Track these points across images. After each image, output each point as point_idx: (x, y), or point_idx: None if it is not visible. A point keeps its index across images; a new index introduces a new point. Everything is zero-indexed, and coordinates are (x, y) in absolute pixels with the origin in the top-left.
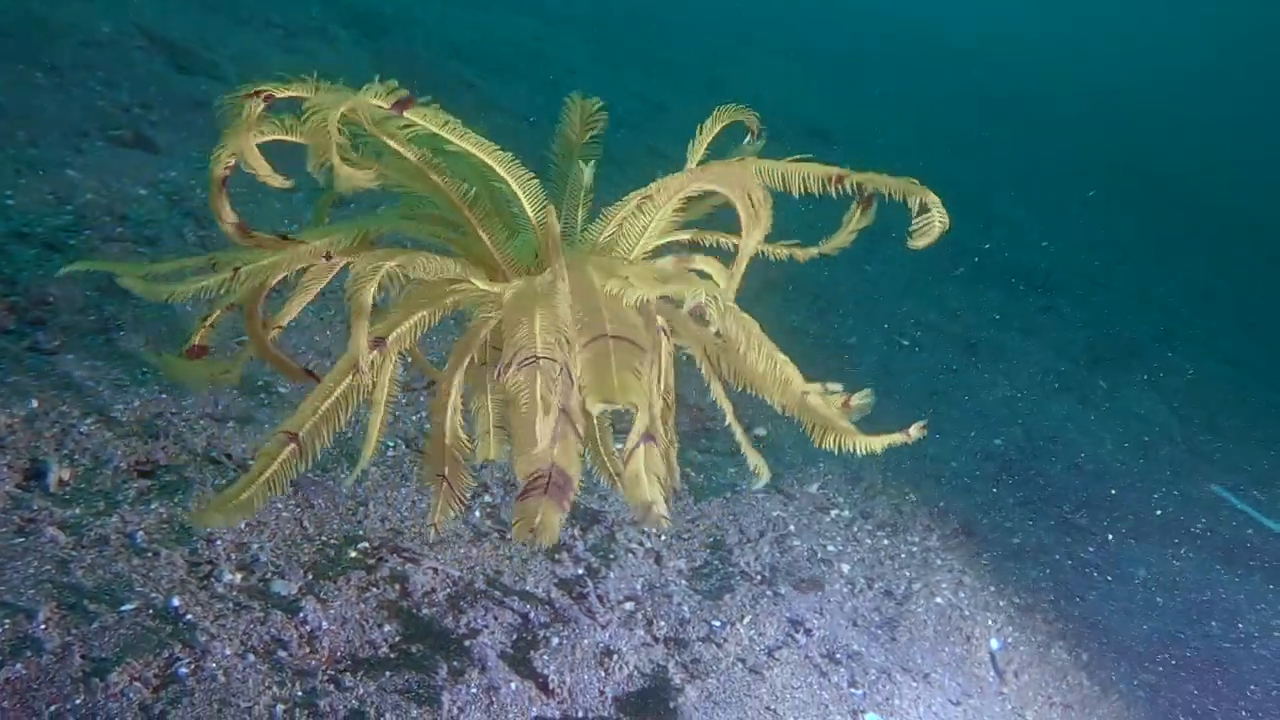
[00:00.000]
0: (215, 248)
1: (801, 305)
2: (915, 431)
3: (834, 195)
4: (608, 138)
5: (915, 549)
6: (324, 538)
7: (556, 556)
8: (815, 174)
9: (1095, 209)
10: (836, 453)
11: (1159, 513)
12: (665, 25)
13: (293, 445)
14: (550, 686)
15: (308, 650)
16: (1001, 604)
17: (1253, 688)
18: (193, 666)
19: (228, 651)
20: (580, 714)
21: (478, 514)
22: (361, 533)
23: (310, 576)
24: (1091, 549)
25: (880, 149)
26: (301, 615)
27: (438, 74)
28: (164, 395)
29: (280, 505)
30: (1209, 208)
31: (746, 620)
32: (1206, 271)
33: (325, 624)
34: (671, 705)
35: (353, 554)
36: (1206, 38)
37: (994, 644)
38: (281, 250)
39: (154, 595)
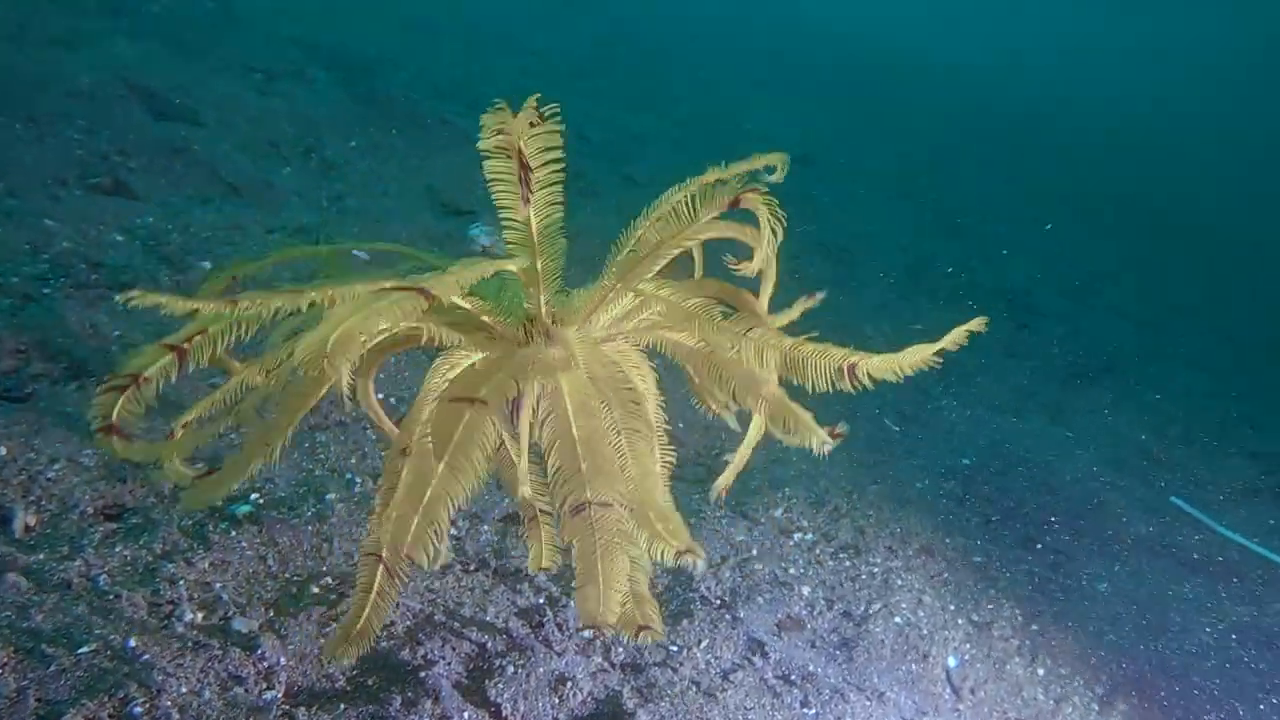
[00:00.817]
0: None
1: None
2: (841, 429)
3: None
4: (583, 165)
5: (877, 570)
6: (287, 575)
7: (517, 587)
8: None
9: (1078, 231)
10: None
11: (1125, 527)
12: (652, 60)
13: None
14: (504, 714)
15: (264, 685)
16: (960, 622)
17: (1209, 694)
18: (147, 705)
19: (183, 689)
20: None
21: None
22: (325, 569)
23: (271, 614)
24: (1053, 565)
25: (861, 174)
26: (260, 652)
27: (415, 112)
28: None
29: (245, 543)
30: (1192, 229)
31: (704, 644)
32: (1187, 289)
33: (283, 659)
34: None
35: (315, 589)
36: (1190, 62)
37: (951, 661)
38: None
39: (112, 637)
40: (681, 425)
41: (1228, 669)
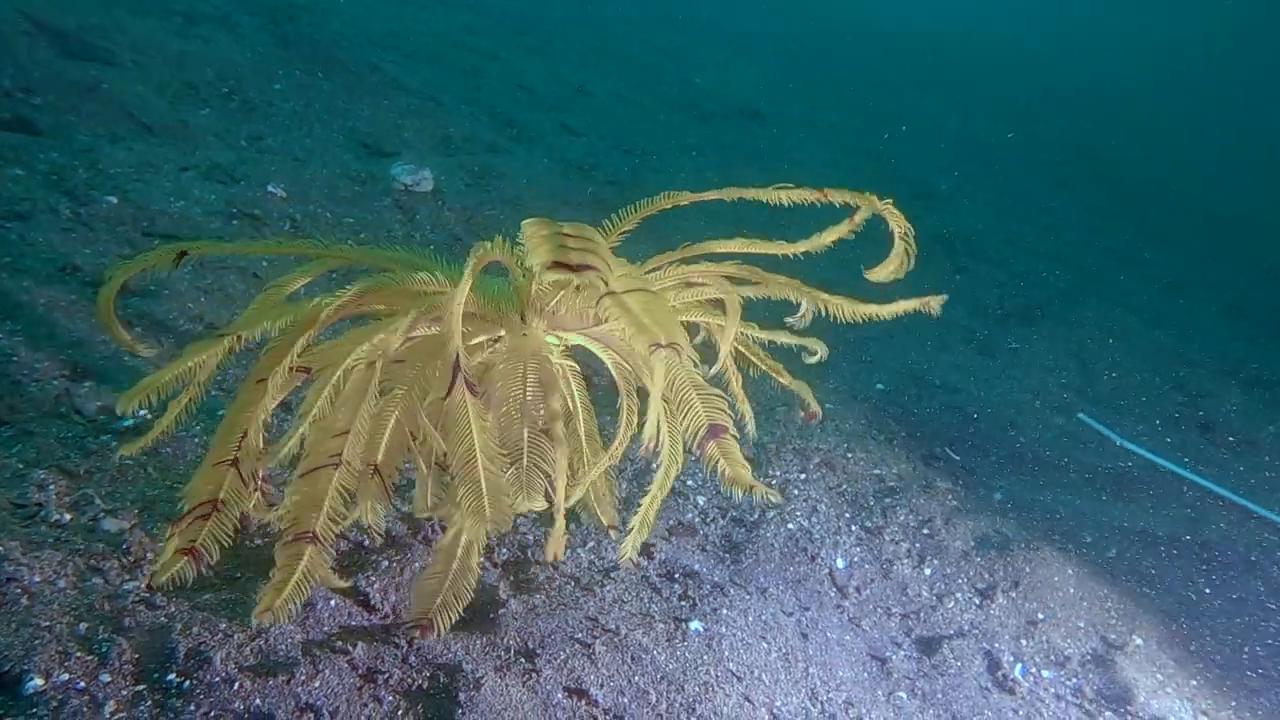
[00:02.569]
0: (93, 223)
1: None
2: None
3: None
4: (521, 114)
5: (774, 481)
6: (167, 483)
7: (406, 495)
8: None
9: (1028, 183)
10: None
11: (1034, 447)
12: (605, 19)
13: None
14: (371, 603)
15: (126, 578)
16: (854, 529)
17: (1085, 588)
18: None
19: (36, 579)
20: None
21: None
22: None
23: (143, 516)
24: (953, 478)
25: (810, 129)
26: (125, 547)
27: (343, 58)
28: (19, 348)
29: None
30: (1146, 186)
31: (589, 546)
32: (1133, 240)
33: (149, 554)
34: (491, 617)
35: None
36: (1160, 31)
37: (839, 563)
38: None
39: None
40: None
41: (1107, 566)
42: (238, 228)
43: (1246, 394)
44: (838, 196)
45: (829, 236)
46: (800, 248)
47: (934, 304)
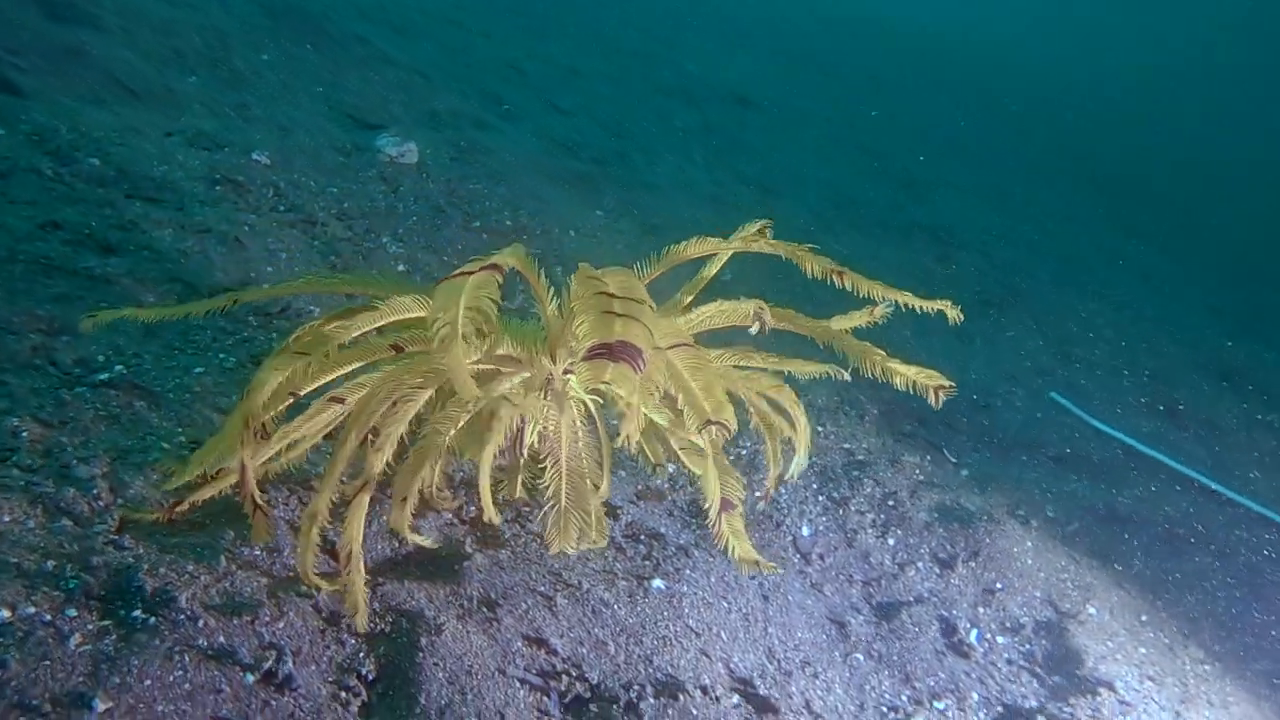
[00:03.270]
0: (74, 184)
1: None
2: None
3: None
4: (511, 93)
5: (744, 452)
6: (140, 433)
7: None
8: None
9: (1020, 180)
10: None
11: (1001, 426)
12: (602, 1)
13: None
14: (336, 551)
15: (96, 520)
16: (820, 499)
17: (1044, 559)
18: None
19: (5, 519)
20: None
21: None
22: (180, 430)
23: (115, 465)
24: (920, 452)
25: (798, 117)
26: (95, 493)
27: (332, 30)
28: None
29: (100, 404)
30: (1133, 185)
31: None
32: (1114, 234)
33: (120, 500)
34: (456, 569)
35: (166, 447)
36: (1158, 32)
37: (804, 531)
38: None
39: None
40: None
41: (1066, 540)
42: (221, 193)
43: (1216, 385)
44: (868, 288)
45: (850, 322)
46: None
47: (879, 314)
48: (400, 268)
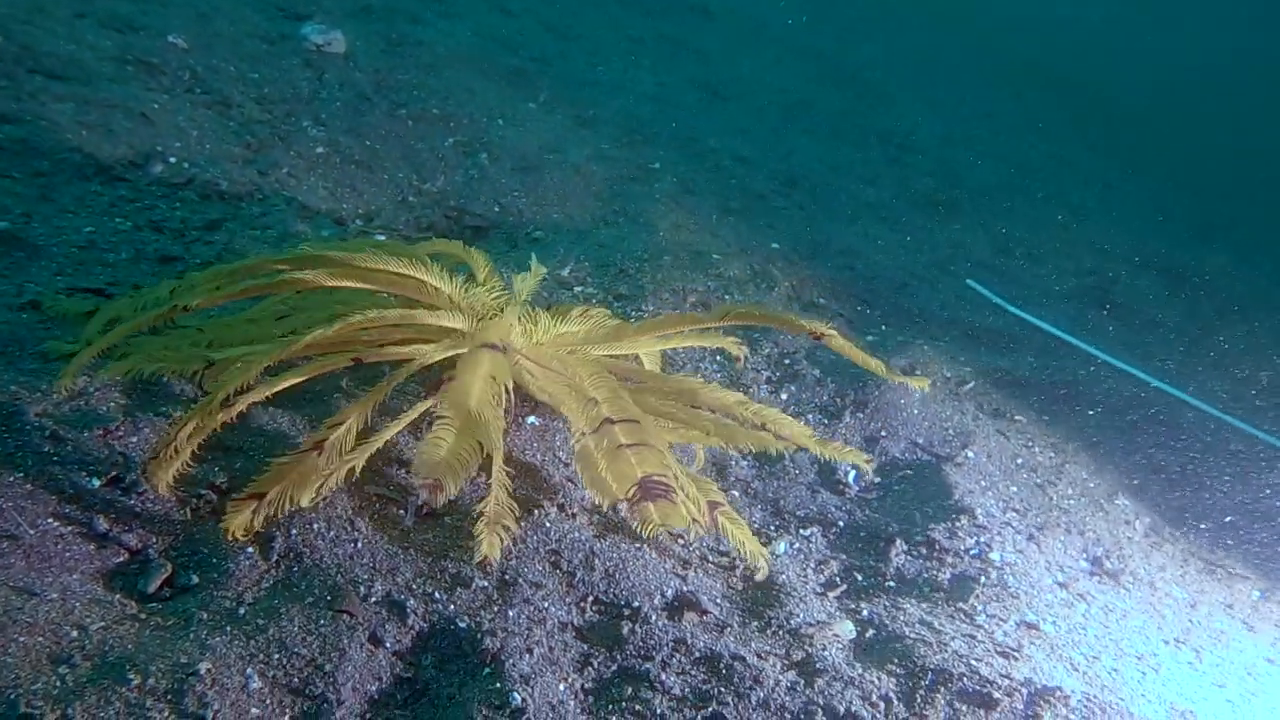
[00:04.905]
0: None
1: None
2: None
3: None
4: (502, 61)
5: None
6: (16, 281)
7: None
8: None
9: (982, 93)
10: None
11: (920, 304)
12: None
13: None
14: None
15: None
16: (718, 358)
17: (930, 411)
18: None
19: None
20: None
21: None
22: (58, 278)
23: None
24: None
25: (763, 28)
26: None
27: None
28: None
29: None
30: (1098, 103)
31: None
32: (1076, 146)
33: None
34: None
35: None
36: None
37: None
38: None
39: None
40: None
41: (955, 395)
42: (132, 73)
43: (1156, 283)
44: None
45: None
46: None
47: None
48: (319, 150)
